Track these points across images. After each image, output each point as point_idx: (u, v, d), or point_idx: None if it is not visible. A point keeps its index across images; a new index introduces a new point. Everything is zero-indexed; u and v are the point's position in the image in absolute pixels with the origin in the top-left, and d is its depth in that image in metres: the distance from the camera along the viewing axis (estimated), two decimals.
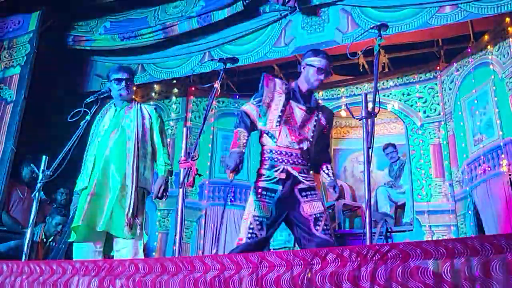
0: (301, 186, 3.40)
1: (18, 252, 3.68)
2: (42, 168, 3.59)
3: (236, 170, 3.31)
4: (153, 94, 7.81)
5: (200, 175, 3.16)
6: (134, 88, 7.50)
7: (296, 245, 6.74)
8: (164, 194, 3.77)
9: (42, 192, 5.56)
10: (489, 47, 5.97)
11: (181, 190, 3.07)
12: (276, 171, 3.37)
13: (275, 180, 3.36)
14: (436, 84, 6.89)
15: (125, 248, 3.55)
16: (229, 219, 7.12)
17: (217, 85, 3.44)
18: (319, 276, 1.97)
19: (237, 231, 7.05)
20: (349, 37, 5.62)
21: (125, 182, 3.63)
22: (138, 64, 6.97)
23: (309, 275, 1.98)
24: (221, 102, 7.80)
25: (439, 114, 6.75)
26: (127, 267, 2.39)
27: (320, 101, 3.82)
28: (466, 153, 6.10)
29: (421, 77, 7.04)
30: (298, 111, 3.49)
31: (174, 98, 7.71)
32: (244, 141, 3.45)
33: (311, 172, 3.57)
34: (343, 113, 7.81)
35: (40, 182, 3.62)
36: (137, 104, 3.96)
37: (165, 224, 7.00)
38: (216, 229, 7.03)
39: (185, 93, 7.71)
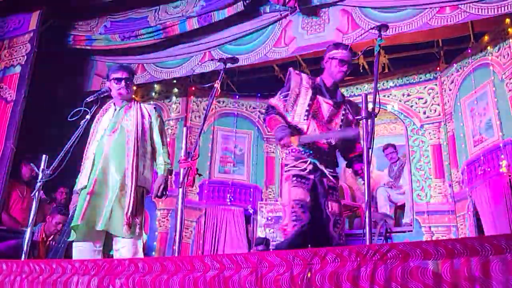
0: (329, 182, 3.42)
1: (18, 251, 3.67)
2: (42, 167, 3.59)
3: (289, 137, 3.35)
4: (153, 94, 7.81)
5: (200, 174, 3.16)
6: (134, 87, 7.54)
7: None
8: (164, 193, 3.76)
9: (42, 192, 5.57)
10: (489, 48, 5.97)
11: (181, 189, 3.07)
12: (303, 163, 3.39)
13: (306, 170, 3.37)
14: (436, 84, 6.90)
15: (124, 247, 3.55)
16: (228, 219, 7.12)
17: (217, 85, 3.44)
18: (318, 276, 1.97)
19: (237, 230, 7.09)
20: (349, 37, 5.62)
21: (124, 182, 3.63)
22: (138, 63, 6.98)
23: (309, 275, 1.98)
24: (221, 102, 7.80)
25: (439, 114, 6.75)
26: (126, 266, 2.39)
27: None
28: (466, 154, 6.10)
29: (421, 78, 7.04)
30: (325, 106, 3.50)
31: (174, 98, 7.71)
32: (283, 121, 3.49)
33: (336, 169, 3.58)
34: None
35: (40, 181, 3.62)
36: (137, 103, 3.96)
37: (164, 224, 7.00)
38: (216, 229, 7.03)
39: (185, 93, 7.72)
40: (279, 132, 3.41)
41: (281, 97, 3.60)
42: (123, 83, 3.85)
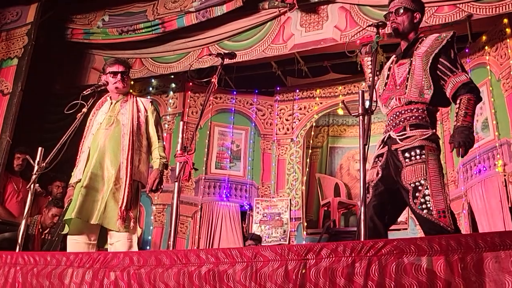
0: (403, 146, 2.96)
1: (13, 244, 3.67)
2: (37, 159, 3.58)
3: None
4: (150, 88, 7.80)
5: (196, 169, 3.15)
6: (132, 82, 7.53)
7: (292, 241, 6.80)
8: (159, 187, 3.75)
9: (38, 185, 5.56)
10: (486, 47, 5.98)
11: (176, 183, 3.07)
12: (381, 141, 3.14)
13: (381, 146, 3.11)
14: None
15: (119, 241, 3.55)
16: (224, 215, 7.13)
17: (214, 80, 3.43)
18: (313, 271, 1.98)
19: (232, 227, 7.09)
20: (347, 35, 5.62)
21: (119, 175, 3.62)
22: (136, 58, 6.97)
23: (303, 271, 1.99)
24: (218, 98, 7.80)
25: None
26: (121, 259, 2.39)
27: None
28: None
29: None
30: (396, 69, 3.19)
31: (171, 93, 7.70)
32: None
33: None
34: (340, 111, 7.83)
35: (35, 174, 3.61)
36: (133, 97, 3.95)
37: (160, 219, 7.00)
38: (212, 225, 7.04)
39: (183, 88, 7.71)
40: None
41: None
42: (119, 76, 3.85)
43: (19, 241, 3.31)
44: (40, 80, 6.76)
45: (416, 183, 2.85)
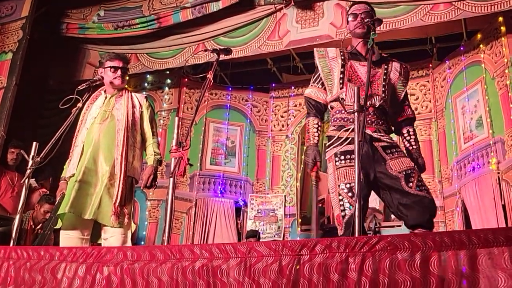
0: (383, 143, 3.11)
1: (6, 238, 3.66)
2: (32, 154, 3.57)
3: (315, 165, 3.11)
4: (146, 84, 7.78)
5: (191, 164, 3.15)
6: (127, 78, 7.50)
7: (287, 237, 6.81)
8: (153, 183, 3.74)
9: (33, 179, 5.54)
10: (481, 46, 6.00)
11: (171, 179, 3.06)
12: (346, 130, 3.11)
13: (349, 140, 3.05)
14: (428, 81, 6.92)
15: (113, 237, 3.54)
16: (219, 211, 7.13)
17: (210, 76, 3.42)
18: (307, 267, 1.98)
19: (227, 223, 7.10)
20: (343, 32, 5.62)
21: (113, 171, 3.61)
22: (131, 53, 6.94)
23: (297, 267, 1.99)
24: (213, 94, 7.79)
25: (430, 111, 6.78)
26: (115, 254, 2.39)
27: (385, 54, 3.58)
28: (456, 151, 6.14)
29: (413, 74, 7.05)
30: (361, 68, 3.26)
31: (166, 89, 7.69)
32: (314, 130, 3.24)
33: (391, 135, 3.30)
34: None
35: (29, 169, 3.59)
36: (128, 92, 3.93)
37: (155, 214, 7.00)
38: (206, 221, 7.04)
39: (178, 84, 7.70)
40: (306, 158, 3.20)
41: (313, 82, 3.41)
42: (119, 72, 3.82)
43: (13, 235, 3.30)
44: (34, 74, 6.73)
45: (407, 171, 3.03)
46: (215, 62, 3.53)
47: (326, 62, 3.37)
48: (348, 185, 2.98)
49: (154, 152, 3.80)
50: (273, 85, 7.97)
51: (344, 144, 3.09)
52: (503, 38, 5.65)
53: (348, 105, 3.11)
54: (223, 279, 2.10)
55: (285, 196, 7.18)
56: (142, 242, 6.74)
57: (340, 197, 3.00)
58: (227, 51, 3.56)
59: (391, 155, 3.08)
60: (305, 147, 3.28)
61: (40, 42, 6.83)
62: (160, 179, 6.93)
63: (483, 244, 1.74)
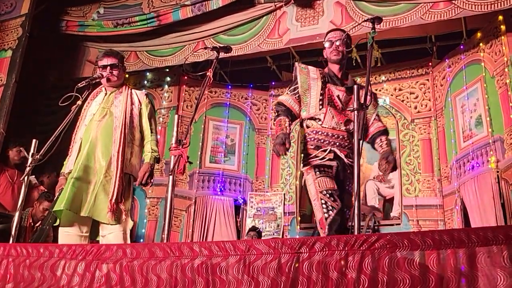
0: (349, 171, 3.38)
1: (5, 236, 3.66)
2: (31, 151, 3.56)
3: (284, 147, 3.31)
4: (145, 82, 7.77)
5: (190, 162, 3.15)
6: (126, 75, 7.49)
7: (286, 235, 6.81)
8: (148, 181, 3.72)
9: (33, 176, 5.53)
10: (481, 44, 6.00)
11: (171, 177, 3.06)
12: (324, 151, 3.39)
13: (327, 159, 3.37)
14: (427, 80, 6.92)
15: (111, 234, 3.53)
16: (218, 209, 7.13)
17: (210, 73, 3.42)
18: (306, 264, 1.98)
19: (226, 221, 7.10)
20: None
21: (110, 168, 3.60)
22: (131, 51, 6.94)
23: (296, 265, 1.99)
24: (213, 92, 7.78)
25: (430, 110, 6.78)
26: (114, 252, 2.39)
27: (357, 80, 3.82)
28: (456, 149, 6.14)
29: (413, 73, 7.07)
30: (338, 93, 3.50)
31: (166, 87, 7.67)
32: (287, 125, 3.47)
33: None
34: None
35: (29, 166, 3.59)
36: (128, 89, 3.93)
37: (154, 212, 6.99)
38: (205, 219, 7.04)
39: (178, 82, 7.68)
40: (276, 140, 3.39)
41: (289, 92, 3.60)
42: (108, 69, 3.83)
43: (13, 233, 3.30)
44: (34, 72, 6.71)
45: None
46: (215, 60, 3.53)
47: (306, 80, 3.54)
48: (329, 191, 3.25)
49: (152, 150, 3.79)
50: (273, 83, 7.96)
51: (324, 160, 3.38)
52: (503, 37, 5.65)
53: (323, 127, 3.44)
54: (222, 276, 2.10)
55: (284, 194, 7.18)
56: (142, 240, 6.74)
57: (323, 201, 3.25)
58: (227, 49, 3.57)
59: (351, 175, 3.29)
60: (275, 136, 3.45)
61: (39, 39, 6.81)
62: (159, 177, 6.98)
63: (483, 242, 1.75)
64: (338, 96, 3.49)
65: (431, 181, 6.46)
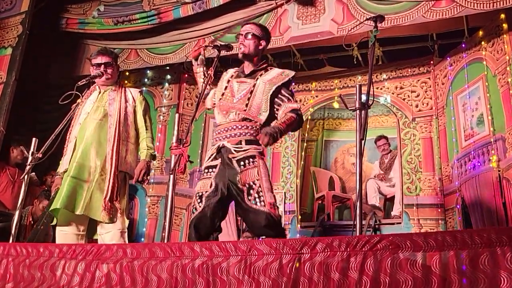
0: (238, 156, 3.23)
1: (5, 234, 3.65)
2: (32, 150, 3.56)
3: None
4: (145, 80, 7.75)
5: (191, 161, 3.14)
6: (127, 73, 7.47)
7: (287, 233, 6.79)
8: (145, 178, 3.72)
9: (34, 173, 5.53)
10: (483, 43, 5.97)
11: (171, 176, 3.05)
12: (213, 146, 3.38)
13: (213, 156, 3.33)
14: (429, 78, 6.91)
15: (108, 233, 3.53)
16: None
17: (211, 72, 3.41)
18: (307, 265, 1.97)
19: (226, 219, 7.08)
20: (344, 28, 5.60)
21: (105, 166, 3.60)
22: (131, 49, 6.92)
23: (297, 265, 1.98)
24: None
25: (431, 108, 6.76)
26: (114, 251, 2.38)
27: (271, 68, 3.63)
28: (457, 148, 6.13)
29: (414, 71, 7.05)
30: (236, 85, 3.46)
31: (167, 85, 7.65)
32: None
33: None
34: (335, 105, 7.82)
35: (29, 165, 3.59)
36: (122, 87, 3.93)
37: (154, 210, 6.98)
38: None
39: (178, 80, 7.66)
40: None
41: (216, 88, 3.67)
42: (102, 68, 3.82)
43: (13, 232, 3.29)
44: (34, 70, 6.70)
45: (250, 183, 3.15)
46: (215, 59, 3.52)
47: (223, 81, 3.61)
48: (200, 193, 3.25)
49: (147, 147, 3.79)
50: None
51: (210, 160, 3.35)
52: (505, 35, 5.63)
53: (217, 125, 3.48)
54: (223, 277, 2.09)
55: (285, 192, 7.17)
56: (142, 239, 6.73)
57: (192, 202, 3.31)
58: (228, 47, 3.56)
59: (243, 167, 3.20)
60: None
61: (39, 37, 6.80)
62: (160, 176, 6.97)
63: (486, 244, 1.73)
64: (235, 88, 3.46)
65: (432, 180, 6.44)
